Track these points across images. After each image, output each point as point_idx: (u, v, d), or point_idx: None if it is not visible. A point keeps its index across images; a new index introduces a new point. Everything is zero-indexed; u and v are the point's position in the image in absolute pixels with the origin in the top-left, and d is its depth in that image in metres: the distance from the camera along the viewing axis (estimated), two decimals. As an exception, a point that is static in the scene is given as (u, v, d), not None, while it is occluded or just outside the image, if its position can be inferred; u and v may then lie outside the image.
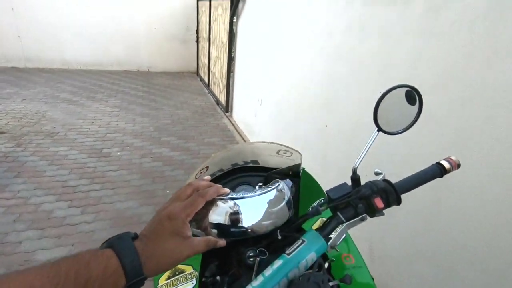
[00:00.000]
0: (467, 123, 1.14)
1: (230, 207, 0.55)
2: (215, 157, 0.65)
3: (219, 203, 0.54)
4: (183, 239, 0.44)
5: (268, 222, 0.59)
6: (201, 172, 0.64)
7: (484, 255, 1.12)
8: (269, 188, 0.61)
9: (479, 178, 1.11)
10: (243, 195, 0.57)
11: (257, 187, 0.71)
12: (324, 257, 0.69)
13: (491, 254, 1.09)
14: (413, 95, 0.60)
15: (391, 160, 1.50)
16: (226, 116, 4.75)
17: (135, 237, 0.42)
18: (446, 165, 0.63)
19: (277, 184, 0.62)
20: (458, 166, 0.64)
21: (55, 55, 6.63)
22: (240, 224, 0.55)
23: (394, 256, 1.55)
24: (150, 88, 5.97)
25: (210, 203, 0.52)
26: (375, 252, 1.68)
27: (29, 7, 6.07)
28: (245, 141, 3.86)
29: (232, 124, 4.43)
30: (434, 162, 0.65)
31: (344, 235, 0.74)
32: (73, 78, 6.09)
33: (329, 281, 0.49)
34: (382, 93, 0.58)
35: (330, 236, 0.60)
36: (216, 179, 0.73)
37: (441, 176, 0.64)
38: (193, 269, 0.65)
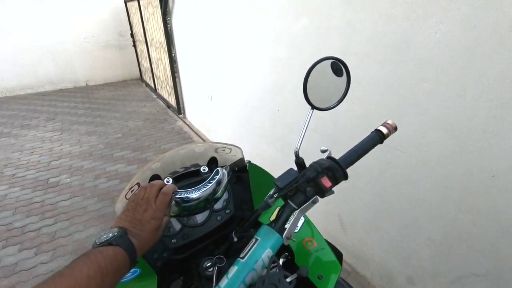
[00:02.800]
0: (401, 84, 1.18)
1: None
2: (144, 171, 0.59)
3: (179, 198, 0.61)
4: (159, 230, 0.57)
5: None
6: (132, 191, 0.58)
7: (436, 203, 1.19)
8: (210, 185, 0.64)
9: (419, 135, 1.16)
10: (189, 195, 0.62)
11: (201, 169, 0.74)
12: (286, 247, 0.66)
13: (441, 202, 1.17)
14: (339, 67, 0.58)
15: (334, 134, 1.54)
16: (180, 118, 4.58)
17: (125, 232, 0.53)
18: (384, 130, 0.63)
19: (217, 176, 0.66)
20: (395, 129, 0.64)
21: (-28, 85, 5.85)
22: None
23: (363, 224, 1.61)
24: (92, 103, 5.54)
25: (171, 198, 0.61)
26: (346, 224, 1.73)
27: None
28: (203, 140, 3.75)
29: (187, 125, 4.29)
30: (373, 130, 0.65)
31: (303, 220, 0.72)
32: (-1, 107, 5.44)
33: (286, 277, 0.47)
34: (307, 69, 0.55)
35: (285, 226, 0.57)
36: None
37: (381, 142, 0.64)
38: (150, 295, 0.59)
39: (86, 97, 5.99)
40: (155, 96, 5.86)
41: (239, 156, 0.71)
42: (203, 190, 0.62)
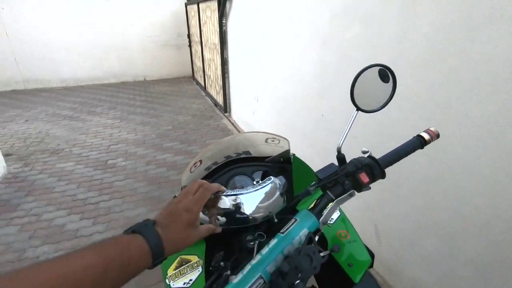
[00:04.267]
0: (453, 96, 1.16)
1: (233, 200, 0.64)
2: (206, 151, 0.69)
3: (227, 198, 0.63)
4: (195, 228, 0.54)
5: (265, 209, 0.67)
6: (195, 166, 0.68)
7: (481, 223, 1.15)
8: (264, 184, 0.69)
9: (471, 151, 1.13)
10: (242, 192, 0.66)
11: (254, 182, 0.77)
12: (321, 235, 0.72)
13: (488, 223, 1.12)
14: (386, 74, 0.63)
15: (377, 137, 1.53)
16: (225, 116, 4.79)
17: (154, 223, 0.49)
18: (426, 136, 0.67)
19: (270, 181, 0.69)
20: (437, 136, 0.67)
21: (52, 74, 6.72)
22: (242, 211, 0.64)
23: (399, 236, 1.58)
24: (148, 96, 6.04)
25: (217, 198, 0.63)
26: (382, 235, 1.71)
27: (21, 30, 6.16)
28: (246, 139, 3.89)
29: (232, 123, 4.48)
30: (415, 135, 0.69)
31: (339, 213, 0.78)
32: (71, 95, 6.18)
33: (320, 252, 0.53)
34: (356, 74, 0.61)
35: (322, 213, 0.64)
36: (211, 172, 0.77)
37: (422, 147, 0.67)
38: (198, 258, 0.70)
39: (143, 90, 6.54)
40: (204, 94, 6.19)
41: (286, 148, 0.78)
42: (252, 190, 0.66)
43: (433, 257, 1.39)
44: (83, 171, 3.13)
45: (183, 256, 0.70)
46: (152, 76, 7.59)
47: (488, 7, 1.00)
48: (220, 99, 4.96)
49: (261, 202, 0.66)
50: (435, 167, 1.29)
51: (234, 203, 0.64)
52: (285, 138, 0.75)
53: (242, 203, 0.65)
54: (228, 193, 0.64)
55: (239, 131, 4.15)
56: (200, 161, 0.69)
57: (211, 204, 0.63)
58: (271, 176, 0.71)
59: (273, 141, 0.75)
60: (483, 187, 1.12)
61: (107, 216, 2.44)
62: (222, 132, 4.21)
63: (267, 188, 0.68)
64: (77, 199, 2.65)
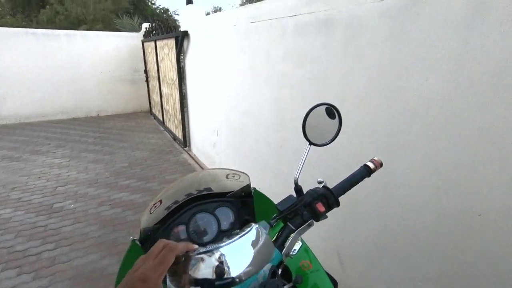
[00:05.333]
0: (393, 127, 1.31)
1: (215, 259, 0.49)
2: (167, 190, 0.68)
3: (203, 256, 0.49)
4: None
5: (256, 264, 0.52)
6: (155, 206, 0.67)
7: (431, 241, 1.25)
8: (247, 230, 0.56)
9: (416, 174, 1.26)
10: (221, 245, 0.51)
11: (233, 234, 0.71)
12: (285, 267, 0.73)
13: (436, 240, 1.23)
14: (332, 111, 0.71)
15: (331, 167, 1.63)
16: (185, 150, 4.72)
17: None
18: (371, 165, 0.74)
19: (250, 228, 0.57)
20: (381, 165, 0.75)
21: (-11, 111, 6.13)
22: (226, 276, 0.49)
23: (362, 260, 1.64)
24: (102, 132, 5.75)
25: (188, 259, 0.49)
26: (345, 261, 1.76)
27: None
28: (207, 172, 3.84)
29: (192, 157, 4.41)
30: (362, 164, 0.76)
31: (300, 244, 0.80)
32: (13, 133, 5.65)
33: (284, 284, 0.54)
34: (306, 112, 0.67)
35: (284, 245, 0.66)
36: (172, 212, 0.75)
37: (368, 176, 0.74)
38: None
39: (97, 126, 6.22)
40: (162, 129, 6.07)
41: (246, 182, 0.80)
42: (231, 241, 0.52)
43: (395, 277, 1.45)
44: (23, 218, 2.79)
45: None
46: (107, 112, 7.30)
47: (417, 51, 1.18)
48: (179, 133, 4.90)
49: (251, 254, 0.51)
50: (385, 191, 1.39)
51: (216, 263, 0.49)
52: (245, 173, 0.78)
53: (227, 262, 0.49)
54: (201, 251, 0.50)
55: (200, 166, 4.10)
56: (160, 201, 0.68)
57: (181, 269, 0.49)
58: (251, 223, 0.59)
59: (233, 176, 0.77)
60: (426, 207, 1.23)
61: (51, 268, 2.17)
62: (182, 167, 4.11)
63: (252, 235, 0.54)
64: (14, 251, 2.33)
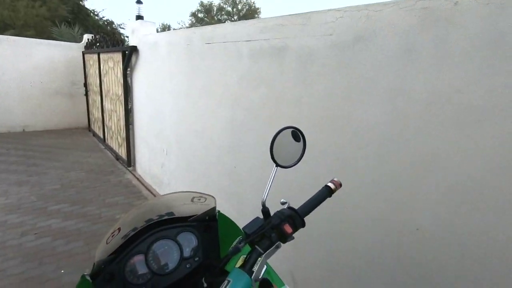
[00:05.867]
0: (343, 151, 1.41)
1: None
2: (127, 217, 0.62)
3: None
4: None
5: None
6: (113, 236, 0.60)
7: (377, 257, 1.34)
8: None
9: (362, 194, 1.36)
10: None
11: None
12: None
13: (382, 257, 1.32)
14: (297, 134, 0.74)
15: (292, 188, 1.69)
16: (129, 170, 4.40)
17: None
18: (332, 186, 0.78)
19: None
20: (340, 185, 0.80)
21: None
22: None
23: (314, 280, 1.67)
24: (27, 150, 5.06)
25: None
26: (298, 282, 1.78)
27: None
28: (154, 194, 3.62)
29: (137, 178, 4.12)
30: (324, 185, 0.80)
31: (265, 267, 0.79)
32: None
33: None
34: (273, 135, 0.69)
35: (253, 269, 0.64)
36: (129, 240, 0.69)
37: (330, 196, 0.78)
38: None
39: (21, 143, 5.46)
40: (103, 147, 5.60)
41: (212, 205, 0.77)
42: None
43: (344, 295, 1.51)
44: None
45: None
46: (35, 127, 6.48)
47: (359, 82, 1.31)
48: (122, 152, 4.57)
49: None
50: (336, 211, 1.48)
51: None
52: (212, 196, 0.76)
53: None
54: None
55: (145, 187, 3.84)
56: (119, 229, 0.61)
57: None
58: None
59: (199, 199, 0.74)
60: (373, 224, 1.34)
61: (-48, 316, 1.76)
62: (126, 189, 3.80)
63: None
64: None
